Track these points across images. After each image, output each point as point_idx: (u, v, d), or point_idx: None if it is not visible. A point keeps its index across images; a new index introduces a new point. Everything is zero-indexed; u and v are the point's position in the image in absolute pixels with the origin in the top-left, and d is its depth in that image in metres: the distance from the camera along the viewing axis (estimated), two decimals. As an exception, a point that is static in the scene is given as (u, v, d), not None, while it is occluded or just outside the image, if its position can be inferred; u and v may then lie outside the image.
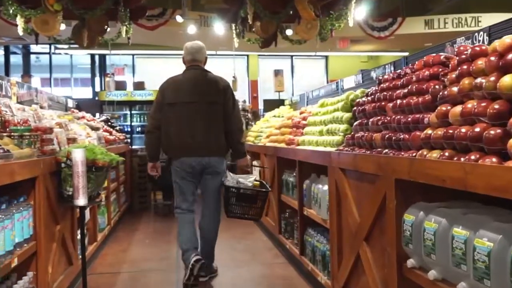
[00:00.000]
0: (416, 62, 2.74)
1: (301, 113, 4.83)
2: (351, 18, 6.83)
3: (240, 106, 12.48)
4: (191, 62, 4.09)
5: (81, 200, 3.13)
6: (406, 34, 11.40)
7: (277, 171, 5.05)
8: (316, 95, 6.63)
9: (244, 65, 16.33)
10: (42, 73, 15.43)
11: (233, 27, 7.97)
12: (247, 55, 15.92)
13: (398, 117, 2.56)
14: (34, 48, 14.98)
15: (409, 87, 2.58)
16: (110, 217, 5.77)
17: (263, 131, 6.72)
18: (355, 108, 3.32)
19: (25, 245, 2.69)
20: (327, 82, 14.87)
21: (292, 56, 16.47)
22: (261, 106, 15.46)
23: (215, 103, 3.89)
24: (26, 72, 14.36)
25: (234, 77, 10.67)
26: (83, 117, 6.05)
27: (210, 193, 4.04)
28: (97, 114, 8.90)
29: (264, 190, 4.08)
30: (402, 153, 2.41)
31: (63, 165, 3.28)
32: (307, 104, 7.06)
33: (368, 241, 2.62)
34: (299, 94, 7.77)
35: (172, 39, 11.64)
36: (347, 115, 3.42)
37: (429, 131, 2.15)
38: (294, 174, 4.55)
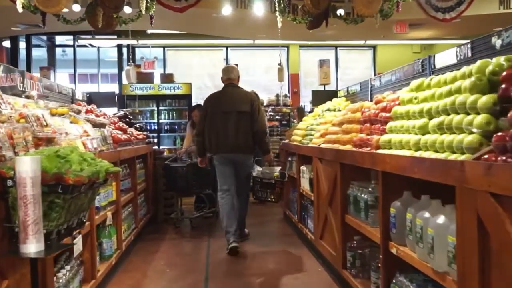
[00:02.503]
0: None
1: (377, 102, 3.41)
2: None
3: (281, 101, 11.18)
4: (227, 81, 5.33)
5: (31, 246, 1.83)
6: (475, 15, 9.72)
7: (340, 183, 3.65)
8: (387, 82, 5.18)
9: (283, 57, 14.90)
10: (70, 68, 14.43)
11: (276, 2, 6.58)
12: (287, 46, 14.50)
13: None
14: (59, 40, 14.02)
15: None
16: (120, 239, 4.50)
17: (314, 129, 5.32)
18: (503, 86, 1.90)
19: None
20: (375, 75, 13.29)
21: (336, 47, 14.95)
22: (303, 101, 14.08)
23: (244, 112, 5.08)
24: (51, 66, 13.38)
25: (280, 64, 9.43)
26: (90, 111, 4.80)
27: (241, 181, 5.32)
28: (115, 110, 7.68)
29: (280, 179, 5.72)
30: None
31: (9, 182, 1.99)
32: (371, 95, 5.62)
33: None
34: (360, 81, 6.30)
35: (204, 25, 10.35)
36: (485, 98, 1.99)
37: None
38: (370, 189, 3.15)
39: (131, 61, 9.11)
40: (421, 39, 12.79)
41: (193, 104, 10.08)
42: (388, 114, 3.04)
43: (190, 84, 9.64)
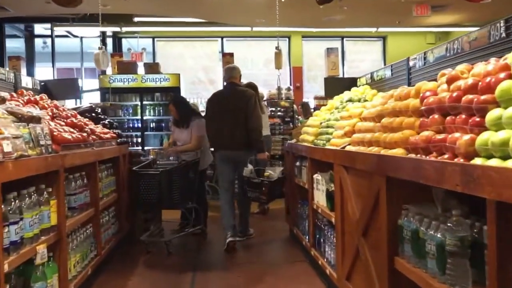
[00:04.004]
0: None
1: (451, 79, 2.10)
2: None
3: (283, 95, 9.87)
4: (229, 79, 5.40)
5: None
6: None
7: (386, 206, 2.37)
8: (438, 59, 3.78)
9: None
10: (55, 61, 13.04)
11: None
12: (289, 36, 13.20)
13: None
14: (38, 30, 12.66)
15: None
16: (65, 278, 3.20)
17: (332, 125, 4.03)
18: None
19: None
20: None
21: (343, 37, 13.65)
22: (307, 97, 12.78)
23: (240, 110, 5.10)
24: (30, 59, 12.03)
25: (277, 48, 8.31)
26: (28, 103, 3.50)
27: (240, 178, 5.36)
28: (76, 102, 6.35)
29: (267, 180, 5.20)
30: None
31: None
32: (410, 79, 4.29)
33: None
34: (391, 64, 4.95)
35: (197, 8, 9.05)
36: None
37: None
38: (451, 224, 1.87)
39: (101, 43, 7.77)
40: (440, 26, 11.48)
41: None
42: (487, 97, 1.74)
43: (179, 75, 8.35)
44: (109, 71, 11.35)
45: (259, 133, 5.12)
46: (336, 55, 10.10)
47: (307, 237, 4.57)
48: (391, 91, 3.02)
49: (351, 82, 5.68)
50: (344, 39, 13.75)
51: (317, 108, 12.06)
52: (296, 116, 9.15)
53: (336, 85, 5.62)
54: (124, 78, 8.27)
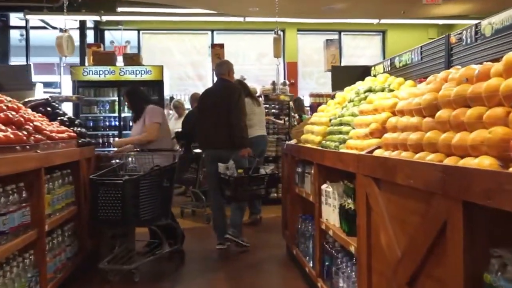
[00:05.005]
0: None
1: None
2: None
3: (278, 91, 8.93)
4: (218, 75, 5.24)
5: None
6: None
7: (464, 251, 1.46)
8: (498, 29, 2.87)
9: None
10: (33, 56, 11.99)
11: None
12: (284, 30, 12.29)
13: None
14: (14, 21, 11.60)
15: None
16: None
17: (348, 123, 3.12)
18: None
19: None
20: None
21: (340, 31, 12.78)
22: (301, 94, 11.86)
23: (224, 105, 4.89)
24: (5, 53, 11.01)
25: (276, 33, 7.81)
26: None
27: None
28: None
29: (235, 176, 4.71)
30: None
31: None
32: (451, 62, 3.36)
33: None
34: (420, 45, 3.98)
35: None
36: None
37: None
38: None
39: (65, 26, 6.78)
40: (446, 18, 10.63)
41: (166, 93, 7.83)
42: None
43: (162, 67, 7.40)
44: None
45: (240, 128, 4.88)
46: (337, 47, 9.26)
47: (311, 263, 3.65)
48: (441, 73, 2.11)
49: (364, 72, 4.76)
50: (342, 33, 12.89)
51: (313, 106, 11.19)
52: (293, 114, 8.23)
53: (345, 75, 4.70)
54: (100, 71, 7.30)
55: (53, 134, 3.46)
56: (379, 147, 2.37)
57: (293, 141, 4.53)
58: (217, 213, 5.12)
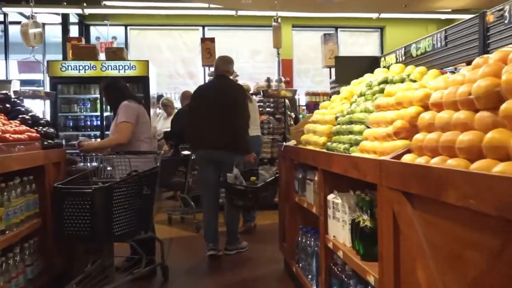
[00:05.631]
0: None
1: None
2: None
3: (274, 86, 8.39)
4: (221, 72, 4.85)
5: None
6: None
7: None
8: None
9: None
10: (13, 53, 11.34)
11: None
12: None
13: None
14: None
15: None
16: None
17: (362, 120, 2.58)
18: None
19: None
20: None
21: (337, 28, 12.29)
22: (297, 93, 11.35)
23: (229, 105, 4.55)
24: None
25: (276, 21, 7.58)
26: None
27: (225, 183, 4.60)
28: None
29: (251, 187, 4.56)
30: None
31: None
32: (487, 46, 2.79)
33: None
34: (444, 28, 3.40)
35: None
36: None
37: None
38: None
39: (32, 13, 6.17)
40: (448, 12, 10.16)
41: (153, 90, 7.26)
42: None
43: (147, 62, 6.83)
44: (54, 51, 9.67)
45: (246, 132, 4.65)
46: (335, 42, 8.70)
47: (315, 285, 3.12)
48: (495, 54, 1.58)
49: (371, 63, 4.23)
50: (339, 29, 12.41)
51: (309, 105, 10.69)
52: (289, 113, 7.70)
53: (351, 67, 4.16)
54: (80, 66, 6.72)
55: (7, 135, 2.89)
56: (408, 151, 1.83)
57: (291, 142, 3.99)
58: (210, 222, 4.73)
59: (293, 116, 7.90)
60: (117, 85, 4.21)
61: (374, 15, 10.08)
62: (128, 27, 11.79)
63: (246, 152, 4.70)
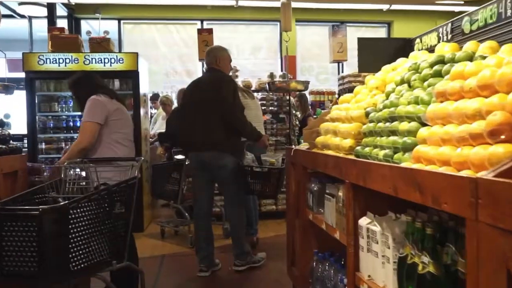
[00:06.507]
0: None
1: None
2: None
3: (276, 79, 7.61)
4: (207, 65, 4.59)
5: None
6: None
7: None
8: None
9: (276, 35, 11.73)
10: (6, 50, 10.61)
11: None
12: (280, 20, 11.06)
13: None
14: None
15: None
16: None
17: (411, 115, 1.82)
18: None
19: None
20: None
21: (342, 22, 11.58)
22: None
23: (216, 99, 4.13)
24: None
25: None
26: None
27: (222, 186, 4.43)
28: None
29: (275, 168, 4.49)
30: None
31: None
32: None
33: None
34: (489, 3, 2.57)
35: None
36: None
37: None
38: None
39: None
40: (459, 4, 9.46)
41: (144, 87, 6.49)
42: None
43: (136, 55, 6.04)
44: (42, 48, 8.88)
45: (243, 123, 4.21)
46: (344, 34, 8.00)
47: (339, 334, 2.36)
48: None
49: (403, 47, 3.46)
50: (345, 24, 11.75)
51: (314, 105, 9.96)
52: (294, 112, 6.94)
53: (378, 52, 3.39)
54: (60, 59, 5.96)
55: None
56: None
57: (304, 146, 3.22)
58: (203, 238, 4.28)
59: (299, 115, 7.13)
60: (87, 80, 3.41)
61: (385, 7, 9.31)
62: (122, 21, 11.13)
63: (255, 137, 4.34)
